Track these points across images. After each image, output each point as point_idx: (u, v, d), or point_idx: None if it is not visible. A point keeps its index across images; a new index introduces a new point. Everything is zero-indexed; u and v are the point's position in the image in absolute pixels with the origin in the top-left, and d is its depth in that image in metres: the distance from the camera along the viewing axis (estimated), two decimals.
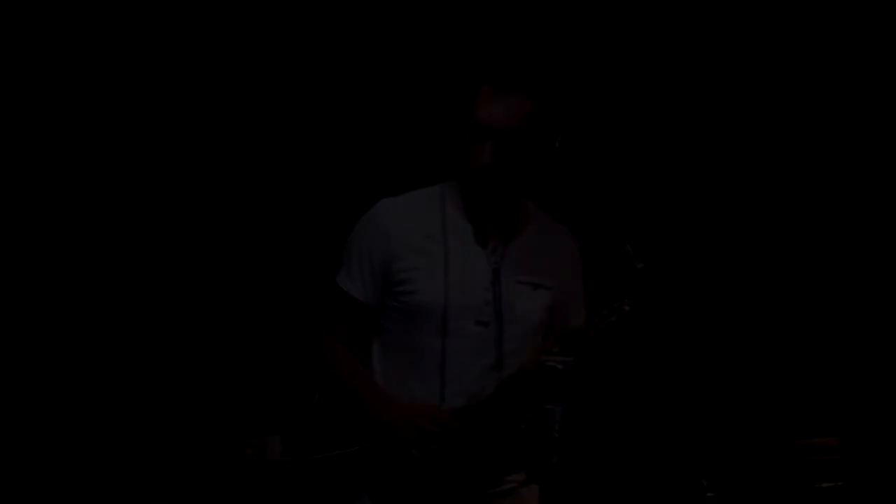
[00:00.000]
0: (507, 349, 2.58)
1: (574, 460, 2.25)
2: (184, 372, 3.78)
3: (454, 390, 2.55)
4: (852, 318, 4.27)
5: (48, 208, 3.84)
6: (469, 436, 2.51)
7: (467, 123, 2.55)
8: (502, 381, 2.54)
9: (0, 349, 3.74)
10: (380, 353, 2.65)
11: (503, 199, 2.60)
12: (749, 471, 3.73)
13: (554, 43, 4.10)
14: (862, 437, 3.85)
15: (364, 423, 2.58)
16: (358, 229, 2.65)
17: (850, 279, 4.31)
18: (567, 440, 2.23)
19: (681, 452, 3.79)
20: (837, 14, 4.21)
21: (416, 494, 2.53)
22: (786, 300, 4.31)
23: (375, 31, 4.05)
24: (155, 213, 3.94)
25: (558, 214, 2.78)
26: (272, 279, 4.00)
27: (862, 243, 4.30)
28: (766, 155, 4.34)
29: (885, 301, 4.26)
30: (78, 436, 3.77)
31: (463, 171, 2.59)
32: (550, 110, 2.60)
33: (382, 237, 2.59)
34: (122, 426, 3.80)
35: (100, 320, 3.86)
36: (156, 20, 3.90)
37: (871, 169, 4.30)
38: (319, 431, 3.66)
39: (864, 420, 3.96)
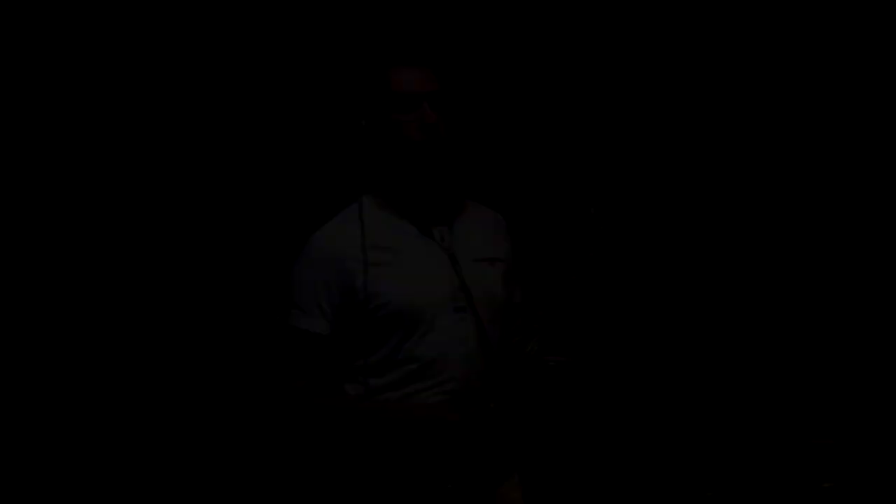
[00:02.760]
0: (489, 328, 2.57)
1: (565, 459, 2.25)
2: (185, 371, 3.78)
3: (451, 384, 2.54)
4: (852, 318, 4.26)
5: (48, 208, 3.84)
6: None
7: (392, 100, 2.55)
8: (497, 367, 2.55)
9: (0, 349, 3.74)
10: (364, 377, 2.58)
11: (446, 165, 2.60)
12: (749, 470, 3.73)
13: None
14: (862, 436, 3.84)
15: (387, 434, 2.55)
16: (302, 267, 2.59)
17: (849, 279, 4.29)
18: (556, 438, 2.24)
19: (680, 452, 3.79)
20: (835, 14, 4.20)
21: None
22: (784, 301, 4.30)
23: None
24: (156, 214, 3.94)
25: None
26: (274, 279, 4.00)
27: (862, 243, 4.29)
28: (759, 141, 4.34)
29: (883, 301, 4.24)
30: (78, 436, 3.77)
31: (399, 153, 2.58)
32: (450, 81, 2.65)
33: (333, 263, 2.55)
34: (123, 426, 3.80)
35: (100, 320, 3.86)
36: (155, 20, 3.90)
37: (871, 169, 4.28)
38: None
39: (862, 420, 3.95)
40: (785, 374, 4.23)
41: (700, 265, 4.28)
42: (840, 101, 4.25)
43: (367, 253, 2.54)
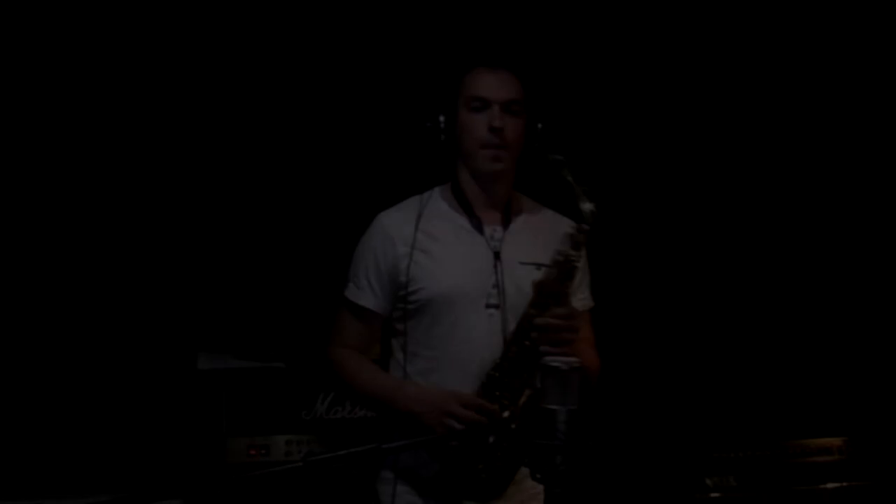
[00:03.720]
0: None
1: (578, 461, 2.24)
2: (184, 372, 3.77)
3: (478, 378, 2.57)
4: (854, 318, 4.27)
5: (48, 208, 3.83)
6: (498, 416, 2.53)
7: (466, 100, 2.65)
8: (506, 340, 2.58)
9: (0, 349, 3.73)
10: (402, 357, 2.67)
11: (508, 169, 2.69)
12: (749, 471, 3.73)
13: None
14: (865, 437, 3.85)
15: (396, 419, 2.61)
16: (362, 244, 2.73)
17: (850, 279, 4.30)
18: (571, 441, 2.23)
19: (683, 452, 3.79)
20: (833, 14, 4.20)
21: (445, 482, 2.56)
22: (787, 300, 4.31)
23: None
24: (157, 214, 3.93)
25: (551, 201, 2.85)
26: (275, 279, 4.00)
27: (862, 243, 4.30)
28: (763, 146, 4.34)
29: (886, 301, 4.26)
30: (78, 435, 3.76)
31: (463, 150, 2.68)
32: (535, 90, 2.72)
33: (386, 243, 2.66)
34: (123, 426, 3.80)
35: (100, 320, 3.86)
36: (156, 20, 3.89)
37: (871, 169, 4.30)
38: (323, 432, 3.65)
39: (866, 420, 3.96)
40: (785, 374, 4.24)
41: (700, 265, 4.29)
42: (840, 101, 4.26)
43: (416, 239, 2.64)
